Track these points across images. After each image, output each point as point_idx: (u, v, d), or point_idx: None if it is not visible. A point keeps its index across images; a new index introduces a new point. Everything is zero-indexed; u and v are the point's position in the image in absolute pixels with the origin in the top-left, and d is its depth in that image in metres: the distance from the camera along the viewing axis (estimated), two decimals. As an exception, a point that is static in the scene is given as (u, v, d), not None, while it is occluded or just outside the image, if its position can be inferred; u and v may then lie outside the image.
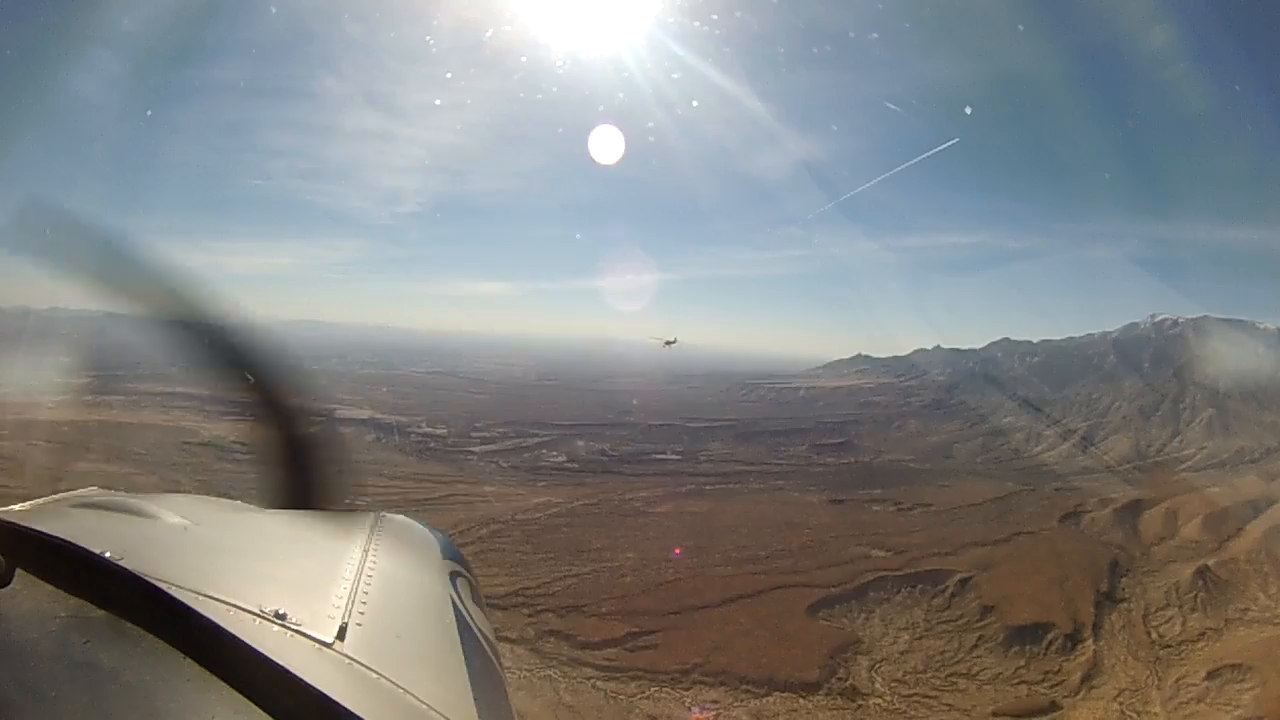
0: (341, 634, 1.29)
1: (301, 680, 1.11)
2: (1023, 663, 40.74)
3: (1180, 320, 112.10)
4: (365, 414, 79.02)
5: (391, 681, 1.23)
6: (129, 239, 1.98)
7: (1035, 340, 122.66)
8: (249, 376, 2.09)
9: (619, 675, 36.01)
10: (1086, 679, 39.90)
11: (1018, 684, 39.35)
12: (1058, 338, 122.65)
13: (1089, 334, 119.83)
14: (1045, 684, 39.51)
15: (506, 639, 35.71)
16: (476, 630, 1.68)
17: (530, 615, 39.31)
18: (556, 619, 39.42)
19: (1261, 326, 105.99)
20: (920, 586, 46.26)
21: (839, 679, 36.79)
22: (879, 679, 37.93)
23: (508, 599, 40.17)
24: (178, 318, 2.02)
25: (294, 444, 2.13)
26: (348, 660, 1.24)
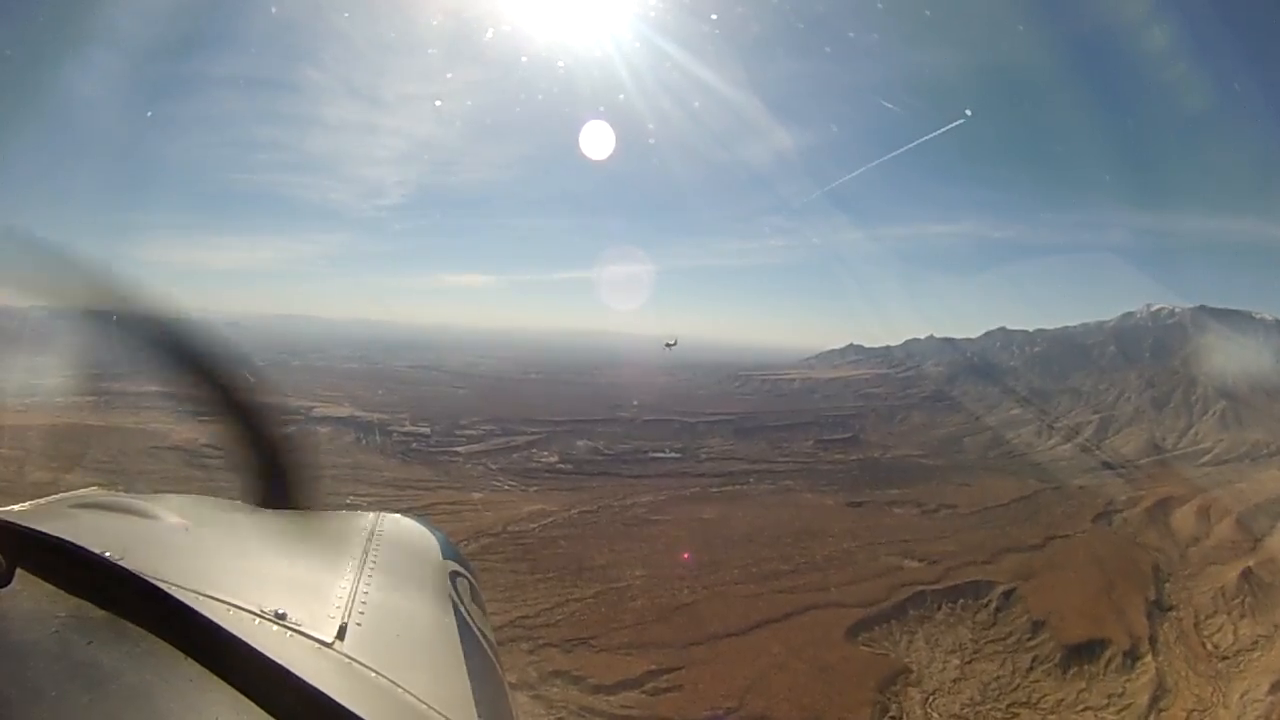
0: (341, 634, 1.31)
1: (302, 680, 1.12)
2: (1083, 685, 36.81)
3: (1177, 310, 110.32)
4: (345, 411, 73.14)
5: (391, 681, 1.24)
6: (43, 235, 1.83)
7: (1031, 330, 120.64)
8: (201, 374, 1.94)
9: (641, 726, 30.86)
10: (1154, 701, 36.11)
11: (1082, 710, 35.40)
12: (1051, 327, 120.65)
13: (1084, 324, 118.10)
14: (1111, 709, 35.63)
15: (506, 681, 30.15)
16: (476, 630, 1.66)
17: (531, 651, 33.79)
18: (561, 655, 34.01)
19: (1259, 317, 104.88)
20: (962, 601, 42.10)
21: (892, 718, 32.18)
22: (935, 714, 33.43)
23: (503, 631, 34.65)
24: (105, 311, 1.92)
25: (262, 444, 1.99)
26: (348, 660, 1.25)
